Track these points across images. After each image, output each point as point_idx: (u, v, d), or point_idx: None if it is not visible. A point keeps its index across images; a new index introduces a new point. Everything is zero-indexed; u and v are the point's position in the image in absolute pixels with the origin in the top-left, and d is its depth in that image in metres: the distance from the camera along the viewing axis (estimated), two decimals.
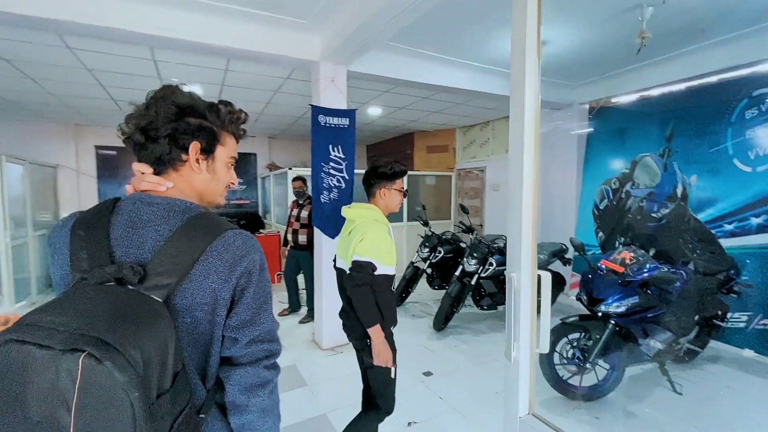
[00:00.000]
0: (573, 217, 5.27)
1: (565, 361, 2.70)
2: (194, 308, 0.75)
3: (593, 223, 5.08)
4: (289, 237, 4.26)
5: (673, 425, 2.38)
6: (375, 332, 1.62)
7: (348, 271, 1.69)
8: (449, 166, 7.25)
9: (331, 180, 3.39)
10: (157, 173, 0.83)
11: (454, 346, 3.65)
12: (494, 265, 3.80)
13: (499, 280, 4.03)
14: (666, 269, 2.68)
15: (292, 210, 4.35)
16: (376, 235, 1.65)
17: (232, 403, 0.82)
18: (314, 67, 3.50)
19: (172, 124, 0.80)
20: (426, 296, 5.26)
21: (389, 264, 1.68)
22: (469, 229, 4.19)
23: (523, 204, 1.35)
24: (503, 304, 4.10)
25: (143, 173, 0.83)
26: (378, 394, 1.74)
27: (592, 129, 5.12)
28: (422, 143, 7.29)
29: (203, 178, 0.86)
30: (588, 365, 2.57)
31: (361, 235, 1.65)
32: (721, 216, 3.80)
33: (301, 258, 4.20)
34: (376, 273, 1.63)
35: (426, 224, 4.87)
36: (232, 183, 0.93)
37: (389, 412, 1.77)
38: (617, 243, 4.76)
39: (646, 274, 2.57)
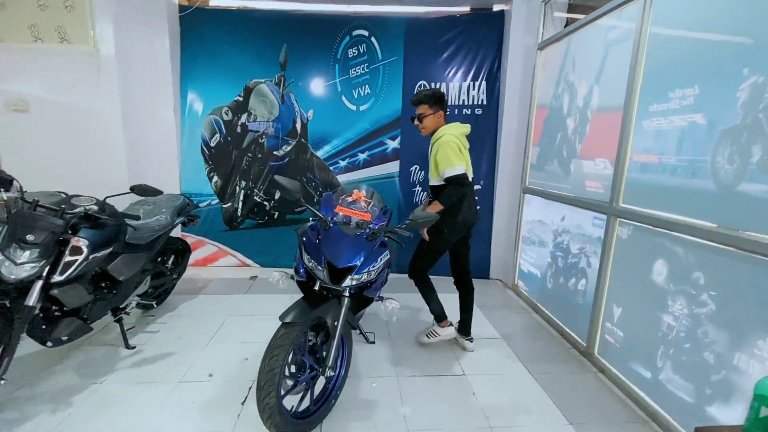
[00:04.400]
0: (175, 158, 3.80)
1: (290, 383, 1.64)
2: None
3: (204, 165, 3.90)
4: None
5: (409, 382, 2.04)
6: None
7: None
8: None
9: None
10: None
11: None
12: (85, 251, 1.82)
13: (97, 275, 2.08)
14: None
15: None
16: None
17: None
18: None
19: None
20: None
21: None
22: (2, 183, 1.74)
23: None
24: (101, 317, 2.20)
25: None
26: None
27: (185, 36, 3.71)
28: None
29: None
30: (327, 370, 1.64)
31: None
32: (336, 152, 3.89)
33: None
34: None
35: None
36: None
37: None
38: (238, 188, 3.93)
39: (382, 221, 1.92)
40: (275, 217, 3.99)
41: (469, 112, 3.71)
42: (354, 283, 1.61)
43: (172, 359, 2.26)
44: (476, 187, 3.78)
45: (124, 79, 3.41)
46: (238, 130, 3.85)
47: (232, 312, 2.92)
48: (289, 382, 1.63)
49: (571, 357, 2.43)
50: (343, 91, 3.80)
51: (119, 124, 3.41)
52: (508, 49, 3.49)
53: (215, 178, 3.93)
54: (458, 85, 3.69)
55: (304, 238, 1.69)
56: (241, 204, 3.95)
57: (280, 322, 1.56)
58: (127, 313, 2.39)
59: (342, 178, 3.89)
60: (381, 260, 1.68)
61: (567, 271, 2.71)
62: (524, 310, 3.15)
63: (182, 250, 3.06)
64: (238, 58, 3.76)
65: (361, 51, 3.75)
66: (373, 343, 2.50)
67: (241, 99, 3.83)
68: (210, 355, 2.31)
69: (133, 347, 2.36)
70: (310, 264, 1.63)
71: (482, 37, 3.63)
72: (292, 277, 1.87)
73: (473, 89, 3.69)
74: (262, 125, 3.84)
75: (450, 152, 2.19)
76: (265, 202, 3.96)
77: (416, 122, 2.38)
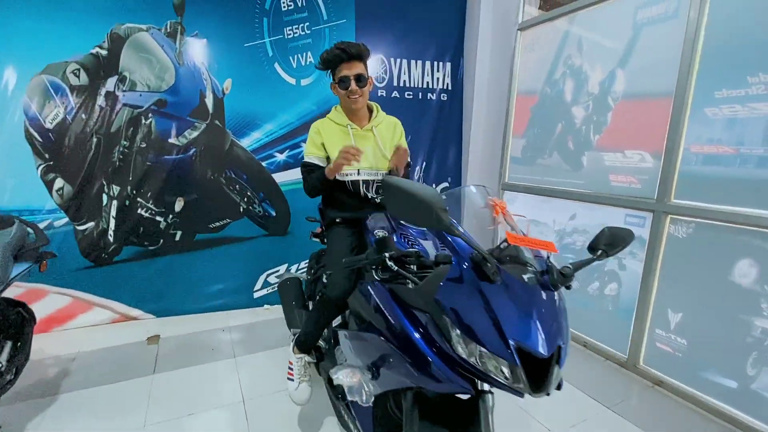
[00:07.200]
0: None
1: None
2: None
3: (34, 160, 2.28)
4: None
5: None
6: None
7: None
8: None
9: None
10: None
11: None
12: None
13: None
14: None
15: None
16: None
17: None
18: None
19: None
20: None
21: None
22: None
23: None
24: None
25: None
26: None
27: None
28: None
29: None
30: None
31: None
32: (270, 142, 2.80)
33: None
34: None
35: None
36: None
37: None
38: (106, 198, 2.44)
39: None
40: (177, 238, 2.65)
41: (434, 98, 3.16)
42: (560, 378, 0.86)
43: None
44: (443, 184, 3.29)
45: None
46: (101, 102, 2.37)
47: (145, 420, 1.65)
48: None
49: (616, 372, 2.18)
50: (277, 57, 2.74)
51: None
52: (477, 26, 3.07)
53: (58, 183, 2.34)
54: (421, 64, 3.10)
55: (453, 304, 0.81)
56: (113, 223, 2.46)
57: None
58: None
59: (280, 178, 2.83)
60: (563, 321, 0.94)
61: (585, 276, 2.47)
62: None
63: (19, 323, 1.60)
64: None
65: (299, 5, 2.76)
66: None
67: (104, 53, 2.35)
68: None
69: None
70: (482, 360, 0.78)
71: (444, 9, 3.12)
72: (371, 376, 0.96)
73: (438, 70, 3.15)
74: (147, 97, 2.45)
75: None
76: (158, 217, 2.57)
77: (353, 86, 1.52)
